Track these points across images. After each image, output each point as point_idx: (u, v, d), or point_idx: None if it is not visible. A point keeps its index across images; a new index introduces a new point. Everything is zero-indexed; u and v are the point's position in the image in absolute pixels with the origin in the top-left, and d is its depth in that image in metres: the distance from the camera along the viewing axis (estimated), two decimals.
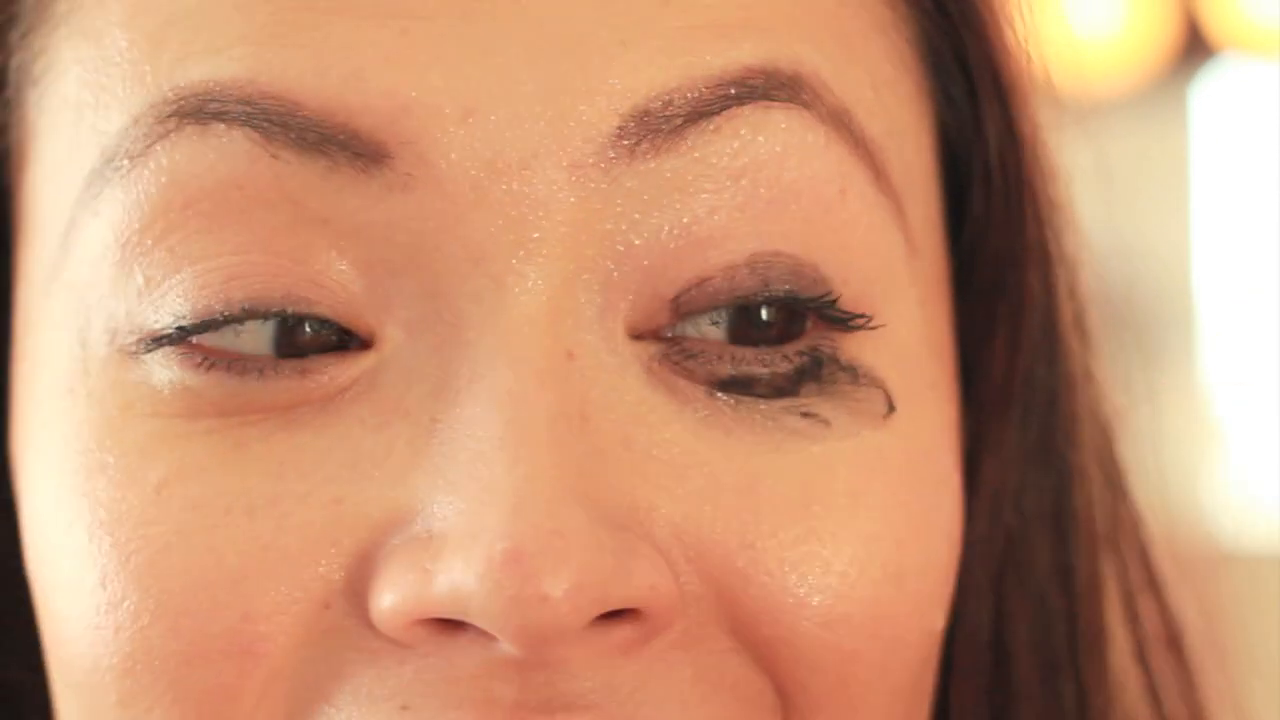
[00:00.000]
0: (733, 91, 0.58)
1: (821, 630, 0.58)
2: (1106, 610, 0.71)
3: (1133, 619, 0.72)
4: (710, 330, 0.59)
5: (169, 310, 0.58)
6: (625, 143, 0.58)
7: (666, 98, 0.58)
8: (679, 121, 0.58)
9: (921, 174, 0.64)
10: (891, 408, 0.61)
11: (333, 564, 0.57)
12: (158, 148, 0.58)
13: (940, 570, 0.62)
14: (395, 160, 0.57)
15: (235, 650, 0.57)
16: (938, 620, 0.63)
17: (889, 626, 0.59)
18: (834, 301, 0.60)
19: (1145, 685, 0.71)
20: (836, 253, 0.60)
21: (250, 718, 0.58)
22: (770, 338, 0.60)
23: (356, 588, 0.57)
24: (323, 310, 0.58)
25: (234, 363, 0.58)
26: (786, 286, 0.59)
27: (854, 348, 0.61)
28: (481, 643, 0.56)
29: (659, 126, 0.58)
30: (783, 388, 0.59)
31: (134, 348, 0.59)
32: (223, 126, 0.57)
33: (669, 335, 0.59)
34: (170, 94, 0.58)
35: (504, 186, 0.57)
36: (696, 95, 0.58)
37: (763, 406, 0.59)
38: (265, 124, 0.57)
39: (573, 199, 0.57)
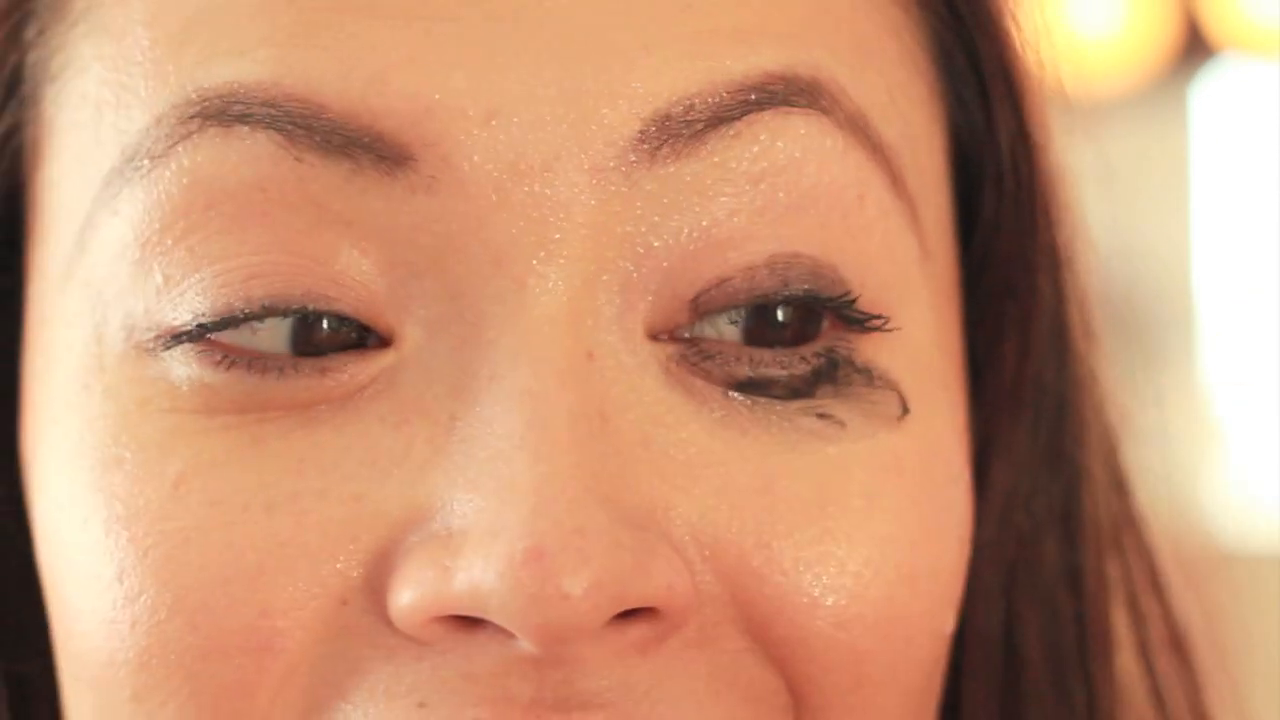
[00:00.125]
0: (753, 97, 0.59)
1: (835, 630, 0.59)
2: (1113, 612, 0.71)
3: (1138, 621, 0.72)
4: (728, 330, 0.60)
5: (188, 307, 0.58)
6: (646, 146, 0.58)
7: (688, 102, 0.58)
8: (700, 126, 0.58)
9: (934, 177, 0.65)
10: (905, 410, 0.61)
11: (351, 561, 0.57)
12: (180, 148, 0.58)
13: (952, 571, 0.63)
14: (419, 162, 0.57)
15: (253, 646, 0.57)
16: (948, 621, 0.63)
17: (902, 627, 0.60)
18: (853, 301, 0.60)
19: (1150, 687, 0.72)
20: (854, 256, 0.60)
21: (266, 713, 0.58)
22: (786, 339, 0.60)
23: (374, 585, 0.57)
24: (342, 307, 0.58)
25: (254, 361, 0.58)
26: (806, 286, 0.60)
27: (869, 350, 0.61)
28: (499, 640, 0.56)
29: (680, 131, 0.58)
30: (799, 389, 0.60)
31: (152, 345, 0.59)
32: (246, 129, 0.58)
33: (686, 336, 0.60)
34: (194, 95, 0.58)
35: (526, 188, 0.57)
36: (718, 100, 0.58)
37: (779, 407, 0.60)
38: (289, 126, 0.57)
39: (593, 201, 0.58)
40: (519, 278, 0.57)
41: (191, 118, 0.58)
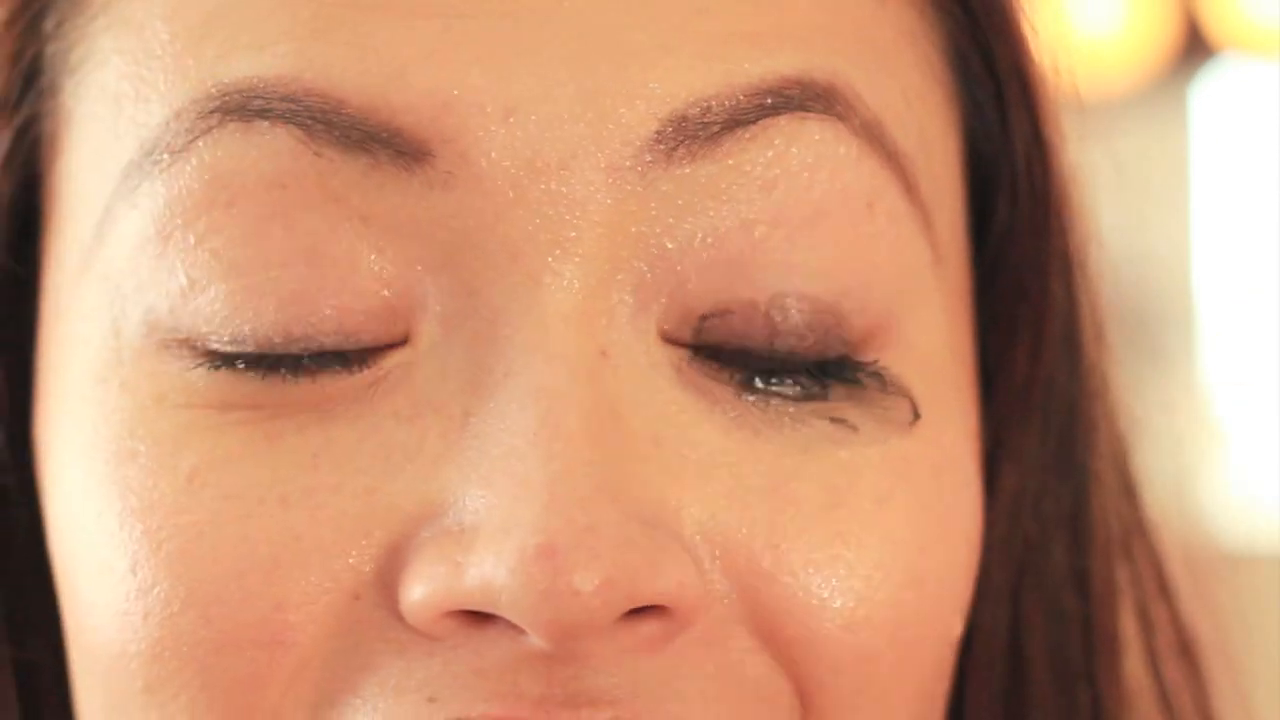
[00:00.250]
0: (769, 101, 0.59)
1: (843, 632, 0.59)
2: (1121, 618, 0.71)
3: (1146, 626, 0.72)
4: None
5: (228, 337, 0.58)
6: (662, 147, 0.58)
7: (705, 104, 0.58)
8: (716, 129, 0.58)
9: (949, 182, 0.65)
10: (917, 415, 0.61)
11: (364, 555, 0.57)
12: (199, 143, 0.59)
13: (960, 575, 0.63)
14: (436, 158, 0.57)
15: (265, 639, 0.57)
16: (956, 625, 0.63)
17: (910, 630, 0.60)
18: (841, 359, 0.60)
19: (1158, 693, 0.72)
20: (862, 273, 0.60)
21: (277, 707, 0.58)
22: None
23: (386, 579, 0.57)
24: (367, 340, 0.58)
25: (273, 364, 0.59)
26: (793, 342, 0.60)
27: (882, 356, 0.61)
28: (510, 636, 0.56)
29: (696, 133, 0.58)
30: (812, 392, 0.60)
31: (178, 349, 0.59)
32: (266, 124, 0.58)
33: (698, 342, 0.60)
34: (213, 89, 0.58)
35: (542, 186, 0.57)
36: (734, 103, 0.58)
37: (791, 410, 0.60)
38: (309, 121, 0.57)
39: (609, 200, 0.58)
40: (534, 274, 0.58)
41: (211, 112, 0.58)
